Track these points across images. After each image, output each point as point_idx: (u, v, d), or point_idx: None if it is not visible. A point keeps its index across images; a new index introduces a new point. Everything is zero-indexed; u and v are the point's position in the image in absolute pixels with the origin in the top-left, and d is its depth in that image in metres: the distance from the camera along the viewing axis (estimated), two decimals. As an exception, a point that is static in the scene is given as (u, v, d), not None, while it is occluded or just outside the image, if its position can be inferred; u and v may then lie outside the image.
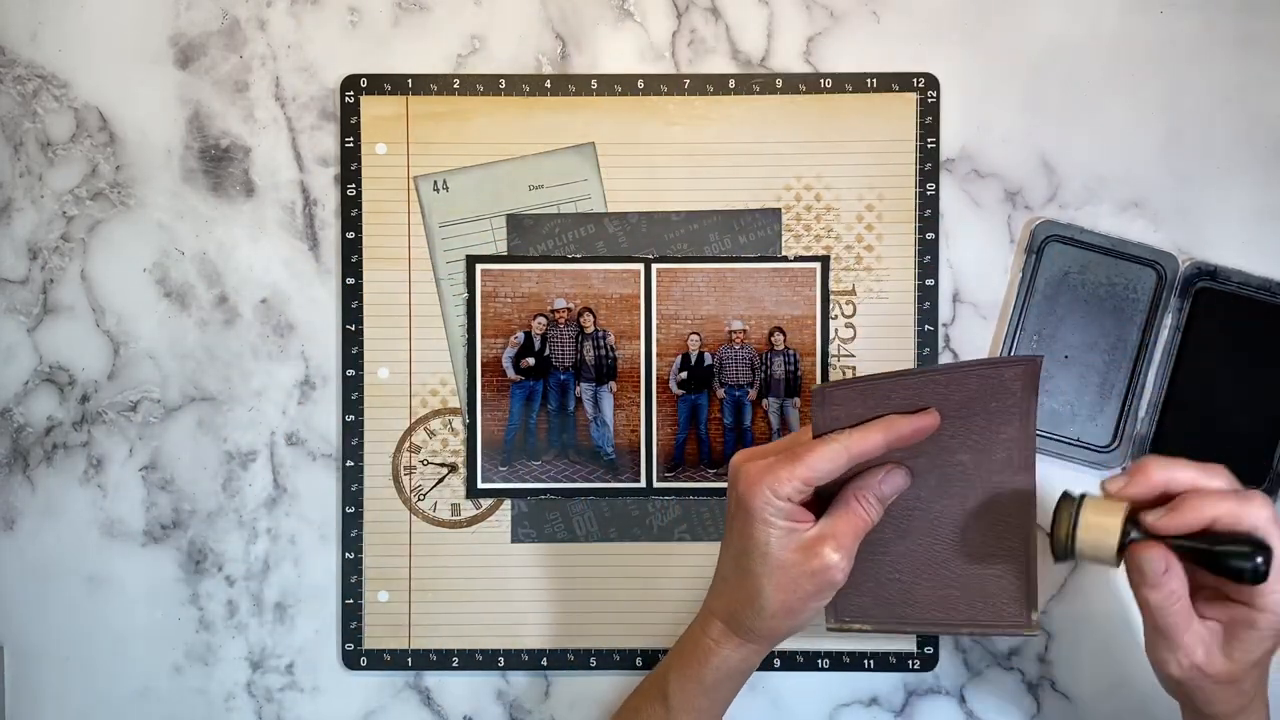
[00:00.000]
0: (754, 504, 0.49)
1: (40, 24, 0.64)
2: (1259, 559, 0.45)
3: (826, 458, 0.49)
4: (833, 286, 0.64)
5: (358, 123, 0.64)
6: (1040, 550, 0.53)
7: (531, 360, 0.63)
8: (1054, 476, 0.63)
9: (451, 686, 0.64)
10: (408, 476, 0.64)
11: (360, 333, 0.64)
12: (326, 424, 0.64)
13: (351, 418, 0.64)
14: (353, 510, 0.64)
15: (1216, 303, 0.63)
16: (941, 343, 0.64)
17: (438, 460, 0.64)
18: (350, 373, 0.64)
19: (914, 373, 0.52)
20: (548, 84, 0.64)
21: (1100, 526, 0.47)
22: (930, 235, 0.63)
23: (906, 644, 0.63)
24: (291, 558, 0.64)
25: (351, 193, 0.64)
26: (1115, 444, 0.63)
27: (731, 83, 0.64)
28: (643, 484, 0.63)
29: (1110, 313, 0.63)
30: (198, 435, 0.64)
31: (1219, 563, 0.45)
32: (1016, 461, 0.53)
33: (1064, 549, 0.48)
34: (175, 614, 0.64)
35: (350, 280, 0.64)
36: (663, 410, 0.64)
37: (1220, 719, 0.49)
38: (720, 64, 0.64)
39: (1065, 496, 0.49)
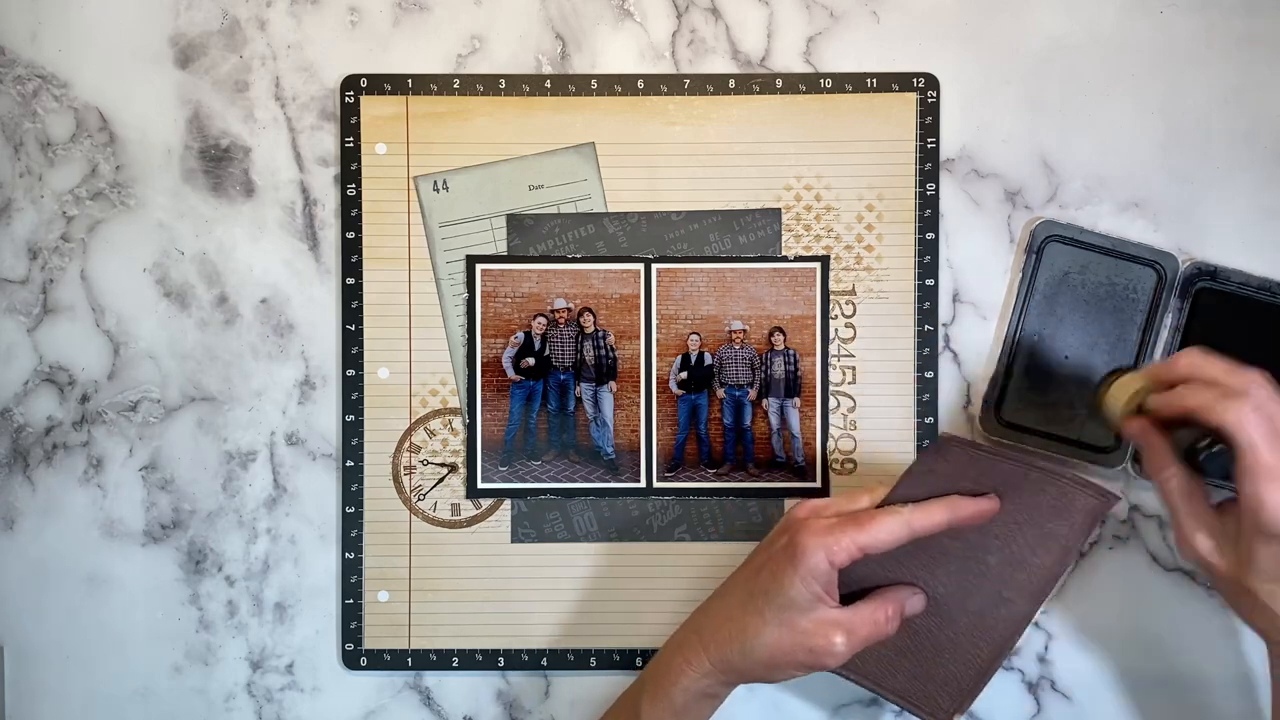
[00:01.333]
0: (804, 559, 0.50)
1: (40, 24, 0.64)
2: (1204, 455, 0.46)
3: (888, 529, 0.50)
4: (833, 286, 0.64)
5: (358, 123, 0.64)
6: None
7: (531, 360, 0.63)
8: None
9: (451, 686, 0.64)
10: (408, 476, 0.64)
11: (360, 333, 0.64)
12: (326, 424, 0.64)
13: (351, 418, 0.64)
14: (353, 510, 0.64)
15: (1216, 303, 0.63)
16: (942, 343, 0.64)
17: (438, 460, 0.64)
18: (350, 373, 0.64)
19: (1022, 463, 0.53)
20: (548, 84, 0.64)
21: (1117, 396, 0.54)
22: (930, 235, 0.63)
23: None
24: (291, 558, 0.64)
25: (351, 193, 0.64)
26: (1115, 444, 0.63)
27: (731, 83, 0.64)
28: (642, 484, 0.63)
29: (1110, 313, 0.63)
30: (198, 435, 0.64)
31: (1183, 450, 0.49)
32: (1033, 588, 0.54)
33: (1092, 408, 0.56)
34: (175, 614, 0.64)
35: (350, 280, 0.64)
36: (663, 410, 0.64)
37: (1267, 637, 0.50)
38: (720, 64, 0.64)
39: (1115, 370, 0.54)
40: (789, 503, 0.63)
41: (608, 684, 0.64)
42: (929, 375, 0.63)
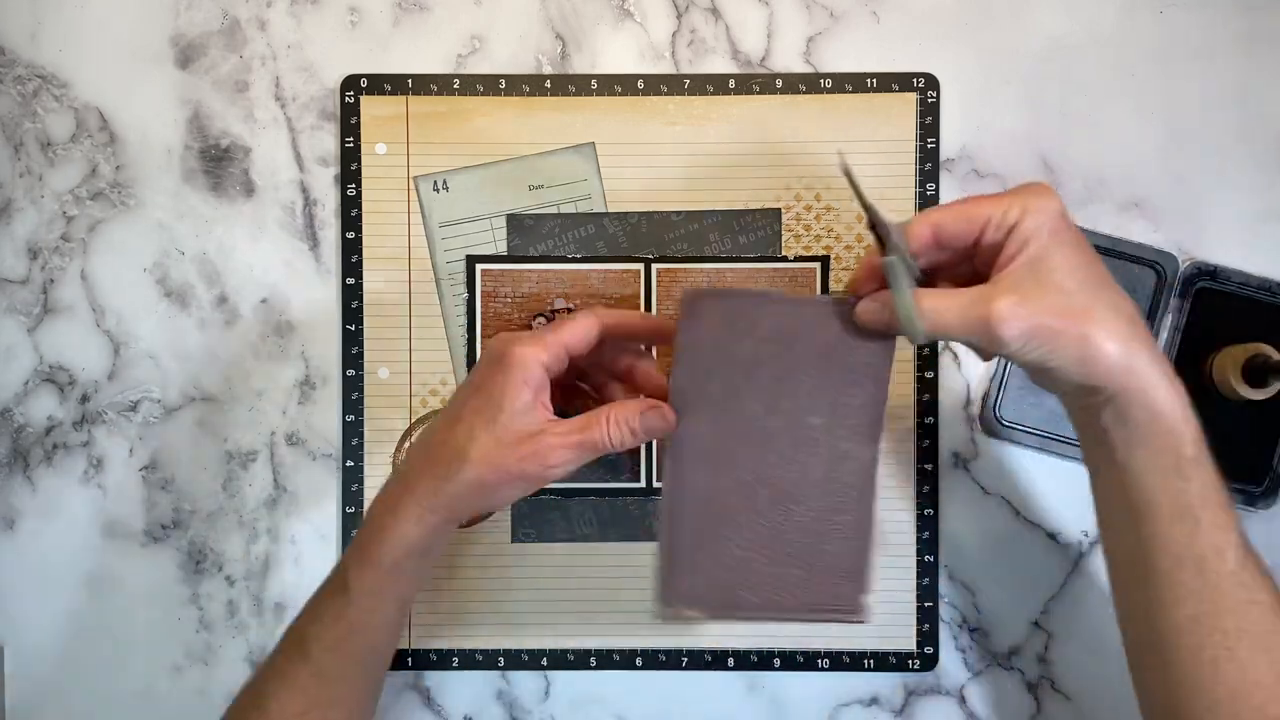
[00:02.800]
0: (514, 363, 0.48)
1: (40, 24, 0.64)
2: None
3: (582, 325, 0.50)
4: (833, 286, 0.64)
5: (358, 123, 0.64)
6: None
7: (531, 360, 0.63)
8: (1054, 475, 0.63)
9: (451, 686, 0.64)
10: (408, 476, 0.64)
11: (360, 333, 0.64)
12: (326, 424, 0.64)
13: (351, 418, 0.64)
14: (353, 510, 0.64)
15: (1216, 303, 0.63)
16: (941, 343, 0.64)
17: (438, 460, 0.64)
18: (350, 373, 0.64)
19: (786, 301, 0.50)
20: (548, 84, 0.64)
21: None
22: (930, 235, 0.63)
23: (906, 644, 0.63)
24: (292, 558, 0.64)
25: (351, 193, 0.64)
26: (1115, 444, 0.62)
27: (731, 83, 0.64)
28: (642, 484, 0.63)
29: (1110, 313, 0.63)
30: (198, 435, 0.64)
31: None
32: (863, 429, 0.50)
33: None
34: (175, 614, 0.64)
35: (350, 280, 0.64)
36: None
37: (1079, 401, 0.47)
38: (720, 64, 0.64)
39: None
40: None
41: (608, 684, 0.64)
42: (929, 375, 0.63)
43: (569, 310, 0.63)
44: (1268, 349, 0.59)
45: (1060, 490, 0.63)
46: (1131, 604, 0.49)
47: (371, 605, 0.50)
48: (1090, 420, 0.47)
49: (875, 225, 0.46)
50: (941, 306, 0.45)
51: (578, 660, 0.63)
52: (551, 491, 0.63)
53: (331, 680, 0.51)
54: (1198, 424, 0.45)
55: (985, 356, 0.49)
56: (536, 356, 0.48)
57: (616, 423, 0.48)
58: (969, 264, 0.47)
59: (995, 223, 0.45)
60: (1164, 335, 0.63)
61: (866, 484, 0.50)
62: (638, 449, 0.63)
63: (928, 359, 0.63)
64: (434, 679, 0.64)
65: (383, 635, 0.52)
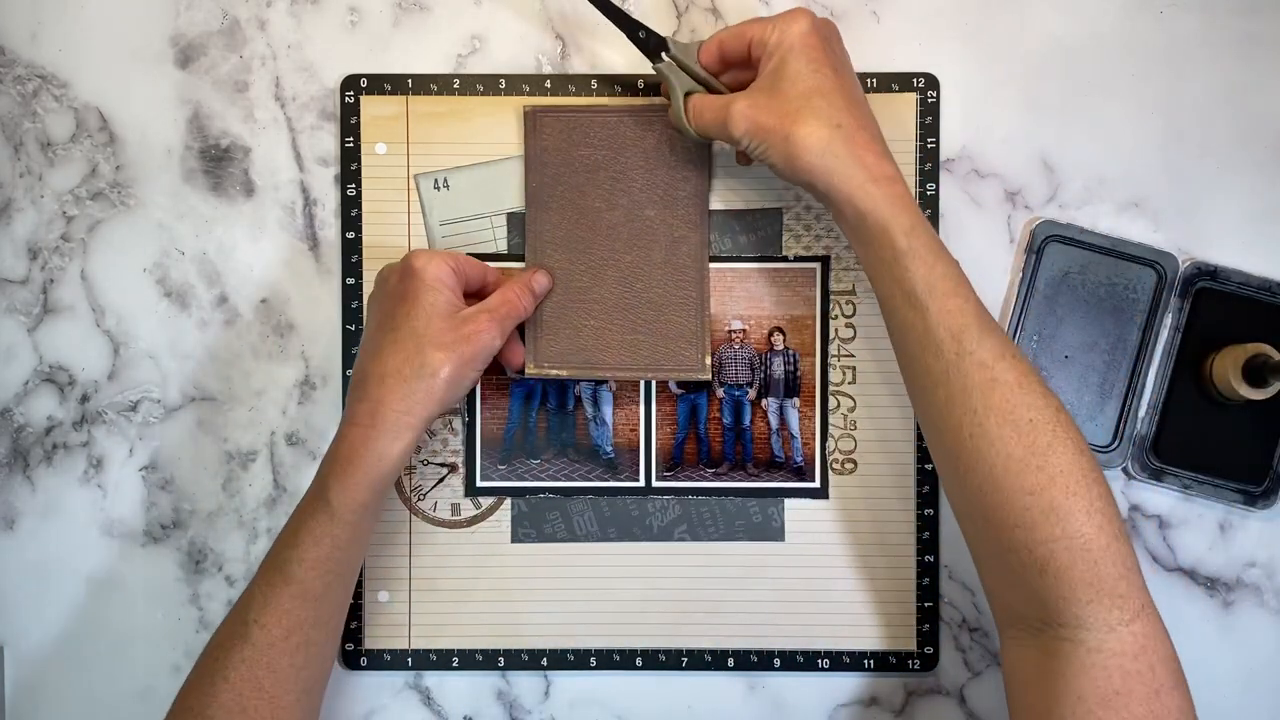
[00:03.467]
0: (423, 268, 0.53)
1: (40, 24, 0.64)
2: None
3: (483, 267, 0.58)
4: (833, 286, 0.64)
5: (358, 122, 0.64)
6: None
7: (531, 360, 0.63)
8: (1054, 476, 0.63)
9: (451, 686, 0.64)
10: (408, 476, 0.64)
11: (360, 333, 0.64)
12: (326, 424, 0.64)
13: (351, 418, 0.64)
14: (353, 510, 0.64)
15: (1216, 303, 0.63)
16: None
17: (438, 460, 0.64)
18: (350, 373, 0.64)
19: (612, 111, 0.61)
20: (548, 84, 0.64)
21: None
22: (930, 235, 0.63)
23: (906, 644, 0.63)
24: (291, 558, 0.64)
25: (351, 193, 0.64)
26: (1115, 444, 0.63)
27: (731, 83, 0.64)
28: (641, 483, 0.63)
29: (1110, 313, 0.63)
30: (198, 435, 0.64)
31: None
32: (693, 217, 0.61)
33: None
34: (175, 614, 0.64)
35: (350, 280, 0.64)
36: (662, 410, 0.64)
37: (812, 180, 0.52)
38: (720, 64, 0.64)
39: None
40: (788, 503, 0.63)
41: (608, 684, 0.64)
42: (929, 375, 0.63)
43: (568, 310, 0.64)
44: (1268, 349, 0.59)
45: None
46: (911, 396, 0.54)
47: (355, 522, 0.52)
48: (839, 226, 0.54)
49: (635, 38, 0.57)
50: (701, 108, 0.55)
51: (578, 660, 0.63)
52: (550, 490, 0.63)
53: (315, 599, 0.53)
54: (913, 216, 0.50)
55: (740, 159, 0.60)
56: (443, 263, 0.54)
57: (518, 291, 0.57)
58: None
59: (758, 40, 0.53)
60: (1164, 335, 0.63)
61: (700, 263, 0.61)
62: (636, 450, 0.63)
63: (928, 359, 0.63)
64: (434, 679, 0.64)
65: (361, 550, 0.55)
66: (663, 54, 0.57)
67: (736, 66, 0.56)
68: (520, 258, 0.63)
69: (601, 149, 0.61)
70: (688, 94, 0.57)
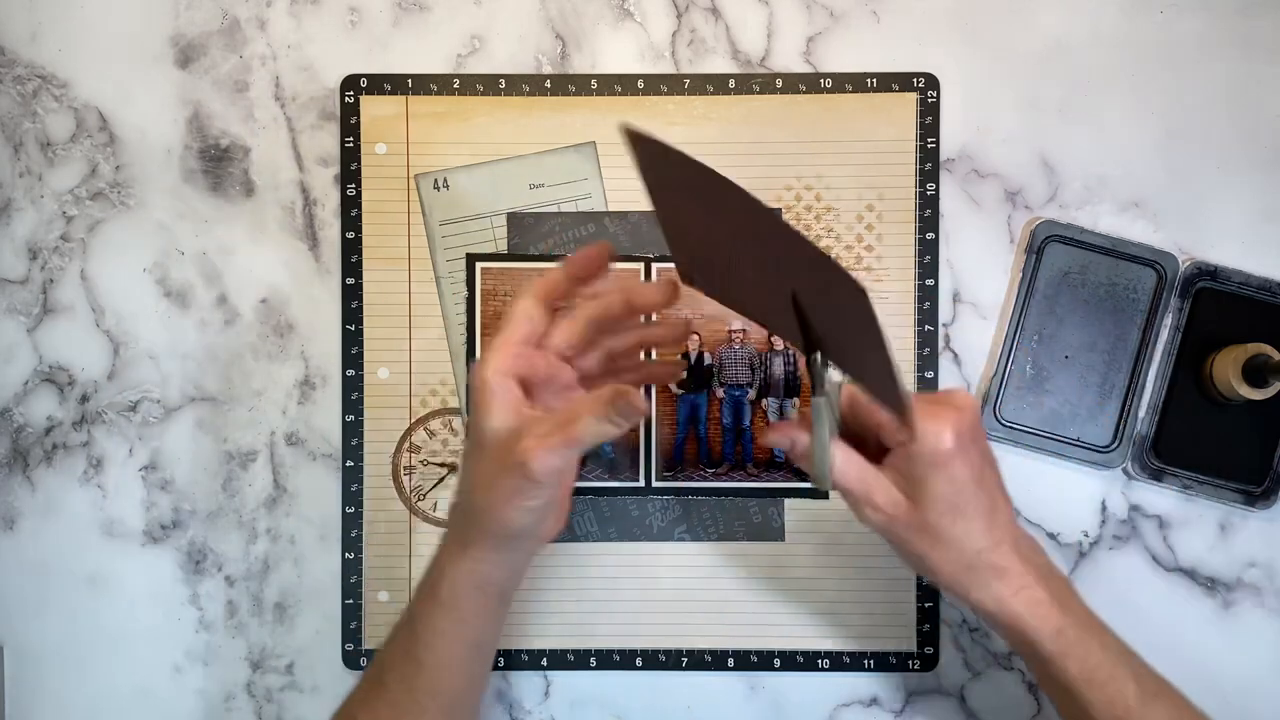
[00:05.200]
0: (479, 384, 0.47)
1: (40, 24, 0.64)
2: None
3: (521, 313, 0.49)
4: (833, 286, 0.63)
5: (358, 122, 0.64)
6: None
7: (531, 360, 0.63)
8: (1054, 475, 0.63)
9: (451, 686, 0.64)
10: (408, 476, 0.64)
11: (360, 333, 0.64)
12: (326, 424, 0.64)
13: (351, 418, 0.64)
14: (353, 510, 0.64)
15: (1216, 303, 0.63)
16: (942, 343, 0.64)
17: (438, 460, 0.64)
18: (350, 373, 0.64)
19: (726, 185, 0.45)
20: (548, 84, 0.64)
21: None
22: (930, 235, 0.63)
23: (906, 644, 0.63)
24: (291, 558, 0.64)
25: (351, 192, 0.64)
26: (1115, 444, 0.63)
27: (731, 83, 0.64)
28: (641, 483, 0.63)
29: (1110, 313, 0.63)
30: (198, 435, 0.64)
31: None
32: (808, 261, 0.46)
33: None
34: (175, 614, 0.64)
35: (350, 280, 0.64)
36: (662, 410, 0.64)
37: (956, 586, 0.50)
38: (720, 64, 0.64)
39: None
40: (788, 503, 0.63)
41: (608, 684, 0.64)
42: (929, 375, 0.63)
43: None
44: (1268, 349, 0.59)
45: (1060, 490, 0.63)
46: None
47: (434, 643, 0.51)
48: None
49: (811, 368, 0.48)
50: (846, 471, 0.49)
51: (578, 660, 0.63)
52: (551, 491, 0.63)
53: (404, 713, 0.51)
54: (1058, 618, 0.49)
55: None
56: (494, 369, 0.47)
57: (589, 416, 0.46)
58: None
59: (890, 430, 0.49)
60: (1164, 335, 0.63)
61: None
62: (636, 450, 0.63)
63: (927, 359, 0.63)
64: (434, 679, 0.64)
65: (454, 677, 0.51)
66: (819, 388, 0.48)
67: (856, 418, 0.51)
68: (520, 257, 0.63)
69: (713, 208, 0.48)
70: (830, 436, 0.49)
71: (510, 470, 0.46)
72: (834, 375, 0.48)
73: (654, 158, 0.46)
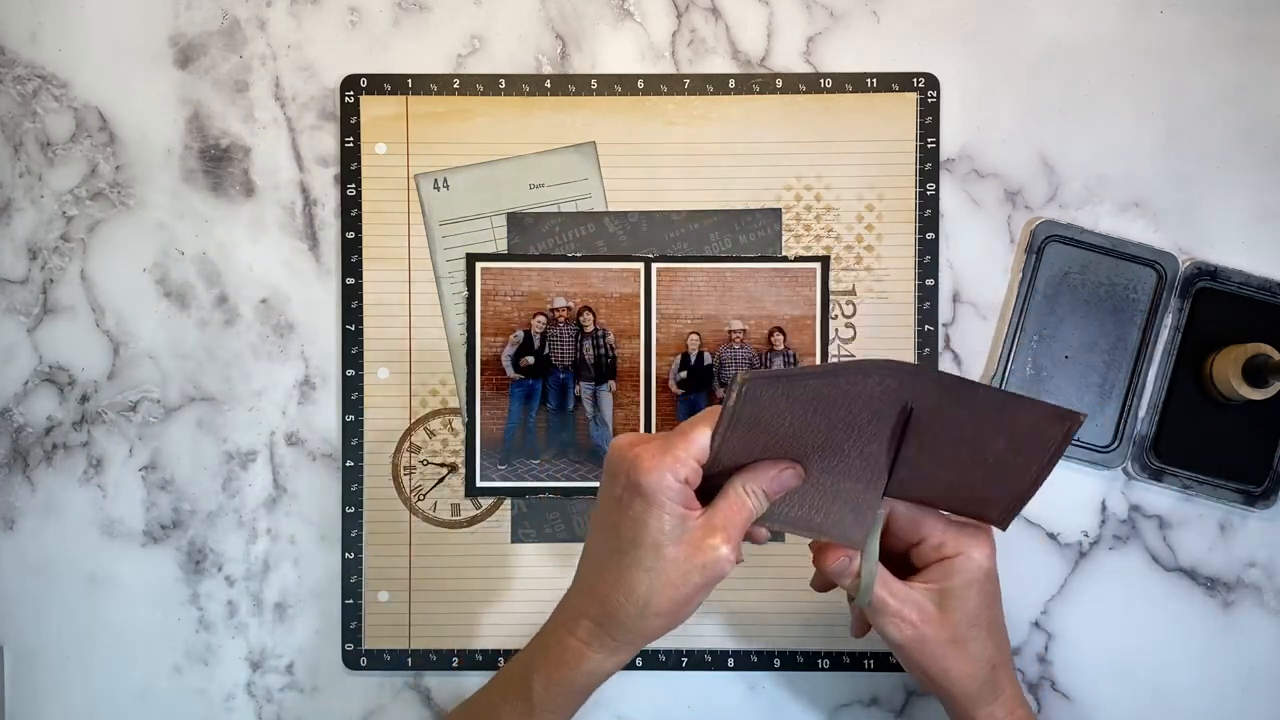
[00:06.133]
0: (651, 488, 0.47)
1: (40, 24, 0.64)
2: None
3: (705, 433, 0.48)
4: (833, 286, 0.64)
5: (358, 123, 0.64)
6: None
7: (531, 359, 0.63)
8: (1054, 476, 0.63)
9: (451, 686, 0.64)
10: (408, 476, 0.64)
11: (360, 333, 0.64)
12: (326, 424, 0.64)
13: (351, 418, 0.64)
14: (353, 510, 0.64)
15: (1216, 303, 0.63)
16: (941, 343, 0.64)
17: (438, 460, 0.64)
18: (350, 373, 0.64)
19: (820, 373, 0.48)
20: (548, 84, 0.64)
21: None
22: (930, 235, 0.63)
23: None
24: (291, 558, 0.64)
25: (351, 192, 0.64)
26: (1115, 444, 0.63)
27: (731, 83, 0.64)
28: (643, 484, 0.63)
29: (1110, 313, 0.63)
30: (198, 435, 0.64)
31: None
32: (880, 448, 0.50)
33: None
34: (175, 614, 0.64)
35: (350, 280, 0.64)
36: (662, 410, 0.64)
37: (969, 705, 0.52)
38: (720, 64, 0.64)
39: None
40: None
41: (608, 684, 0.64)
42: (929, 375, 0.63)
43: (568, 309, 0.63)
44: (1268, 349, 0.59)
45: (1060, 490, 0.63)
46: None
47: (553, 717, 0.52)
48: None
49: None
50: (883, 594, 0.51)
51: (578, 660, 0.63)
52: (550, 491, 0.63)
53: None
54: None
55: (858, 628, 0.56)
56: (673, 473, 0.47)
57: (755, 493, 0.49)
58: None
59: (935, 543, 0.51)
60: (1164, 335, 0.63)
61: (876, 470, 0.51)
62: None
63: (927, 359, 0.63)
64: (434, 679, 0.64)
65: None
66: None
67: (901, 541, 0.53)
68: (520, 257, 0.63)
69: (814, 422, 0.48)
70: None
71: (707, 567, 0.47)
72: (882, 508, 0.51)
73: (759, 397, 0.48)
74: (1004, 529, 0.52)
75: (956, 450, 0.49)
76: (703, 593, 0.49)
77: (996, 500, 0.51)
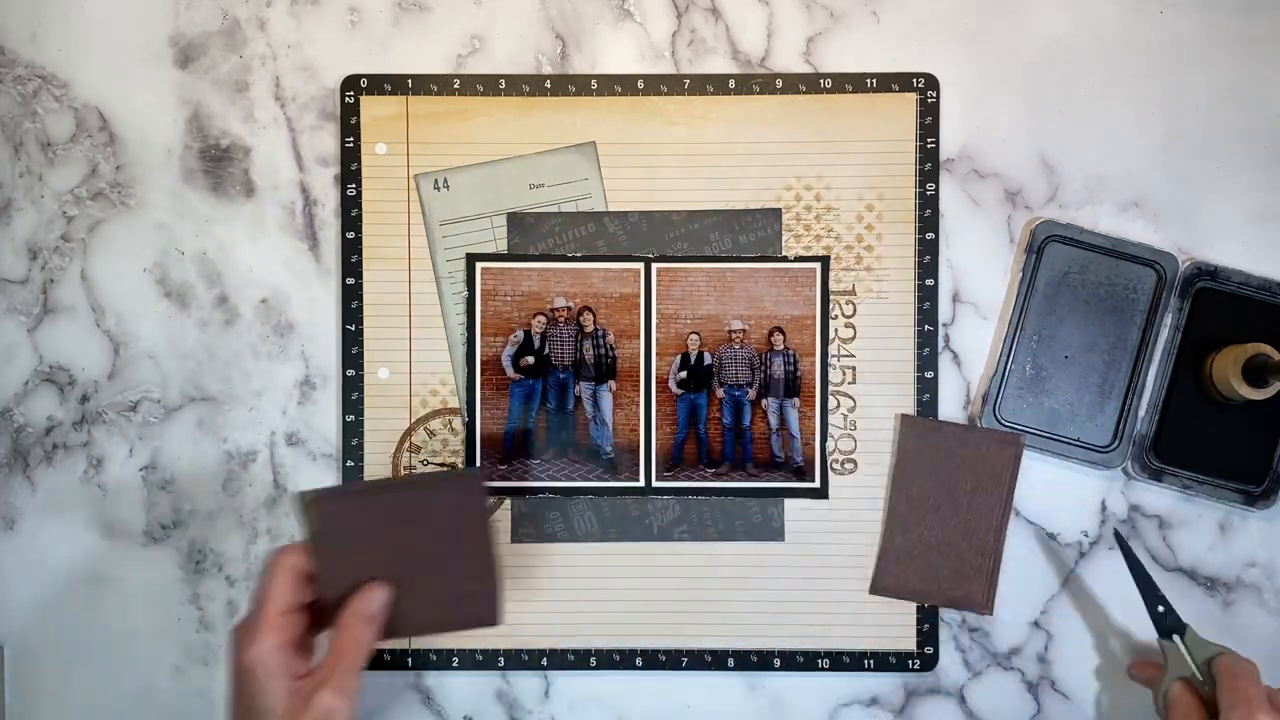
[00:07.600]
0: (249, 665, 0.50)
1: (40, 24, 0.64)
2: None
3: (281, 586, 0.51)
4: (833, 286, 0.64)
5: (358, 123, 0.64)
6: None
7: (531, 359, 0.64)
8: (1054, 476, 0.63)
9: (451, 686, 0.64)
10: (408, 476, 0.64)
11: (360, 333, 0.64)
12: (326, 424, 0.64)
13: (351, 418, 0.64)
14: (353, 510, 0.64)
15: (1216, 303, 0.63)
16: (942, 343, 0.64)
17: (438, 460, 0.64)
18: (350, 373, 0.64)
19: (391, 487, 0.55)
20: (548, 84, 0.64)
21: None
22: (930, 235, 0.63)
23: (906, 644, 0.63)
24: (291, 558, 0.64)
25: (351, 193, 0.64)
26: (1115, 444, 0.63)
27: (731, 83, 0.64)
28: (641, 483, 0.63)
29: (1110, 313, 0.63)
30: (198, 435, 0.64)
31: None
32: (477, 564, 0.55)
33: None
34: (175, 614, 0.64)
35: (350, 280, 0.64)
36: (662, 410, 0.64)
37: None
38: (720, 64, 0.64)
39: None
40: (788, 503, 0.63)
41: (608, 684, 0.64)
42: (929, 375, 0.63)
43: (568, 309, 0.63)
44: (1268, 349, 0.59)
45: (1060, 490, 0.63)
46: None
47: None
48: None
49: (1154, 611, 0.58)
50: (1178, 703, 0.56)
51: (578, 660, 0.63)
52: (550, 490, 0.63)
53: None
54: None
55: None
56: (266, 647, 0.50)
57: (362, 626, 0.52)
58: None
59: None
60: (1164, 335, 0.63)
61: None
62: (636, 448, 0.63)
63: (927, 359, 0.63)
64: (434, 679, 0.64)
65: None
66: (1175, 636, 0.58)
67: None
68: (520, 257, 0.63)
69: (394, 535, 0.54)
70: (1176, 679, 0.57)
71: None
72: (1198, 635, 0.57)
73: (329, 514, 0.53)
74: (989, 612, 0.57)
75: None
76: None
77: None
